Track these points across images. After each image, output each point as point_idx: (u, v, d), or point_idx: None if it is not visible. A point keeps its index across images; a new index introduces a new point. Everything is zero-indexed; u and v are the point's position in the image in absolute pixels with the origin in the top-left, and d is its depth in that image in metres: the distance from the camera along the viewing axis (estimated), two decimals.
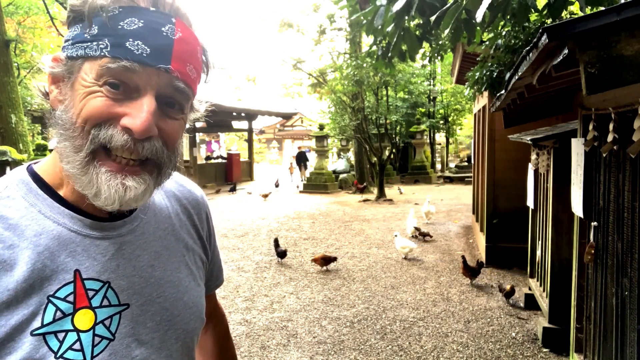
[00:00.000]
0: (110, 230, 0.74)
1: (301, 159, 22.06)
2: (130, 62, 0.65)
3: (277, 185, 18.00)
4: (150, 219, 0.81)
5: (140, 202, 0.70)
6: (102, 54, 0.65)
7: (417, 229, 8.25)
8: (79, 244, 0.70)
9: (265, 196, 14.09)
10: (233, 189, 15.76)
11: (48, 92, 0.72)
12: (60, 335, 0.66)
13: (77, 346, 0.66)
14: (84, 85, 0.67)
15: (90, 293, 0.69)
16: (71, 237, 0.70)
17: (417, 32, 3.68)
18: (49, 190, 0.73)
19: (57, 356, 0.65)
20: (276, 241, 6.90)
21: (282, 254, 6.73)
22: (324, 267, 6.38)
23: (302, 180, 19.43)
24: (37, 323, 0.65)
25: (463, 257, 5.72)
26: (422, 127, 20.24)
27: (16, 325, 0.64)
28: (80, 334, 0.67)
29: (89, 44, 0.67)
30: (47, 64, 0.71)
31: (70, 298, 0.68)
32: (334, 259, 6.40)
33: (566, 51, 1.56)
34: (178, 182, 0.93)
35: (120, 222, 0.76)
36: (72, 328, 0.67)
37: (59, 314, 0.66)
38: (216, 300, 1.08)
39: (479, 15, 2.49)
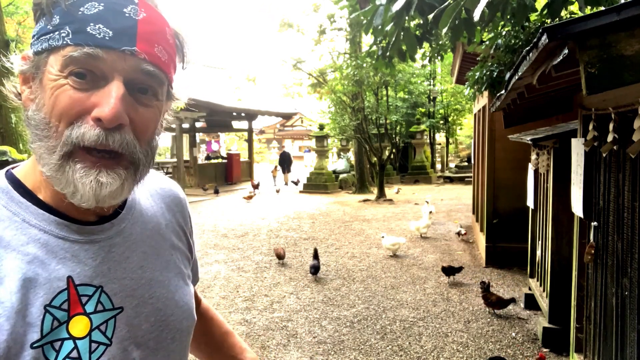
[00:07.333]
0: (97, 233, 0.72)
1: (284, 161, 20.81)
2: (92, 48, 0.62)
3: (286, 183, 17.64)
4: (137, 219, 0.79)
5: (118, 199, 0.68)
6: (65, 42, 0.63)
7: (459, 232, 8.13)
8: (67, 250, 0.68)
9: (249, 198, 13.40)
10: (217, 191, 15.47)
11: (20, 93, 0.70)
12: (57, 345, 0.64)
13: (74, 354, 0.64)
14: (50, 79, 0.64)
15: (84, 299, 0.67)
16: (59, 243, 0.68)
17: (417, 32, 3.68)
18: (31, 196, 0.70)
19: None
20: (315, 252, 6.22)
21: (315, 269, 5.91)
22: (280, 261, 6.67)
23: (285, 184, 18.82)
24: (36, 335, 0.63)
25: (484, 283, 4.83)
26: (422, 127, 20.22)
27: (14, 339, 0.61)
28: (77, 341, 0.65)
29: (52, 34, 0.64)
30: (17, 64, 0.68)
31: (65, 305, 0.66)
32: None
33: (566, 51, 1.56)
34: (159, 181, 0.91)
35: (108, 225, 0.74)
36: (67, 336, 0.65)
37: (55, 323, 0.64)
38: (195, 293, 1.04)
39: (477, 14, 2.49)
